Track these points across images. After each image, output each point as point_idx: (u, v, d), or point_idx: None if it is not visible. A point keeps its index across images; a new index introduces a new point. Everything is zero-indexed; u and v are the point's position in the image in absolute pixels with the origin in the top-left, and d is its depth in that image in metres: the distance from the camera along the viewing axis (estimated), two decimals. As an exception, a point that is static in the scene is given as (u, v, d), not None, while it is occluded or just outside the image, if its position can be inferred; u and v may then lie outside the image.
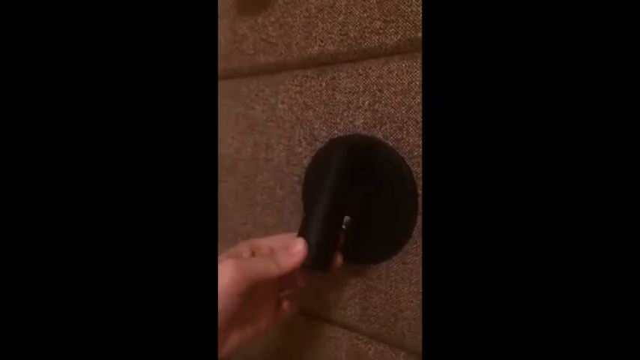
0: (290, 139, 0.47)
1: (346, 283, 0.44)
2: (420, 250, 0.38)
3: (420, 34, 0.37)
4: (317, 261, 0.38)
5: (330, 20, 0.43)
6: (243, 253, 0.35)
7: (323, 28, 0.43)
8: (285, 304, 0.37)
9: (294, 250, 0.33)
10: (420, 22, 0.37)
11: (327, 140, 0.44)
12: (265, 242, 0.37)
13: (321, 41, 0.43)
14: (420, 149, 0.37)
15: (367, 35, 0.40)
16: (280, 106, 0.48)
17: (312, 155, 0.45)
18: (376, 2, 0.39)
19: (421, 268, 0.38)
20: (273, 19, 0.47)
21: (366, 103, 0.41)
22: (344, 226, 0.39)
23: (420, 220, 0.38)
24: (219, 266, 0.29)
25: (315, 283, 0.46)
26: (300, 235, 0.37)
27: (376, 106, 0.40)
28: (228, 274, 0.29)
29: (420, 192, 0.38)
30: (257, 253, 0.36)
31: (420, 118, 0.37)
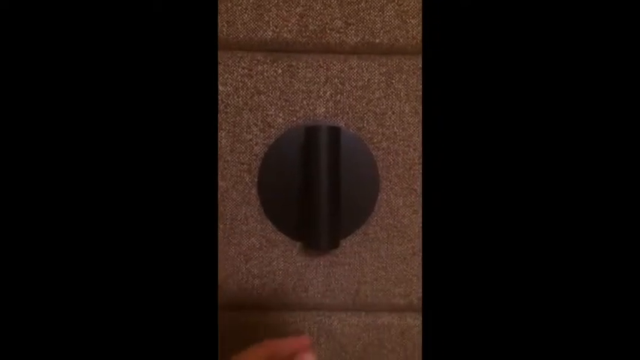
0: (235, 125, 0.44)
1: (307, 265, 0.45)
2: (380, 221, 0.45)
3: (377, 40, 0.44)
4: (329, 245, 0.40)
5: (285, 8, 0.43)
6: None
7: (278, 15, 0.43)
8: None
9: None
10: (379, 30, 0.44)
11: (291, 127, 0.44)
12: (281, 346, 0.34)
13: (276, 27, 0.43)
14: (380, 136, 0.45)
15: (328, 32, 0.44)
16: (221, 88, 0.44)
17: (272, 142, 0.44)
18: (337, 3, 0.44)
19: (382, 234, 0.45)
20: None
21: (328, 93, 0.44)
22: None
23: (380, 195, 0.45)
24: None
25: (272, 275, 0.45)
26: (306, 225, 0.38)
27: (338, 97, 0.44)
28: None
29: (380, 172, 0.45)
30: None
31: (378, 110, 0.45)
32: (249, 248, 0.45)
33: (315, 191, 0.40)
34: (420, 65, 0.44)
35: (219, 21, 0.43)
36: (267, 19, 0.43)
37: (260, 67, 0.44)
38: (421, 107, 0.44)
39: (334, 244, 0.41)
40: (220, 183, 0.44)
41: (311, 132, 0.41)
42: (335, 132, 0.42)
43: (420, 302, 0.46)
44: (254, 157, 0.44)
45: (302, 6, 0.43)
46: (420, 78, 0.44)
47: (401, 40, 0.44)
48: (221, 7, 0.43)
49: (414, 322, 0.47)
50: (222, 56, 0.44)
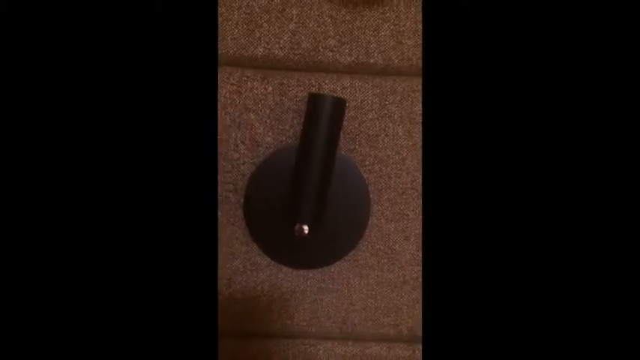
0: (222, 143, 0.42)
1: (294, 291, 0.43)
2: (370, 247, 0.44)
3: (372, 60, 0.43)
4: (311, 219, 0.39)
5: (278, 25, 0.42)
6: None
7: (270, 31, 0.42)
8: None
9: None
10: (373, 50, 0.43)
11: (280, 146, 0.42)
12: None
13: (267, 43, 0.42)
14: (371, 158, 0.43)
15: (321, 50, 0.42)
16: (209, 104, 0.42)
17: (260, 162, 0.42)
18: (331, 21, 0.42)
19: (372, 261, 0.44)
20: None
21: (319, 113, 0.43)
22: (296, 233, 0.41)
23: (370, 220, 0.44)
24: None
25: (256, 301, 0.43)
26: (293, 195, 0.37)
27: (329, 117, 0.43)
28: None
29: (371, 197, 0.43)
30: None
31: (371, 132, 0.43)
32: (233, 272, 0.43)
33: (310, 160, 0.38)
34: (415, 87, 0.43)
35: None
36: (258, 35, 0.42)
37: (250, 84, 0.42)
38: (415, 130, 0.43)
39: (316, 220, 0.39)
40: (204, 203, 0.43)
41: (315, 99, 0.39)
42: (340, 104, 0.39)
43: (411, 333, 0.44)
44: (241, 177, 0.43)
45: (295, 22, 0.42)
46: (415, 100, 0.43)
47: (396, 61, 0.43)
48: (211, 22, 0.42)
49: (404, 353, 0.44)
50: (211, 72, 0.42)
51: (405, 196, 0.43)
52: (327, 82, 0.43)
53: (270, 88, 0.42)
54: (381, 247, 0.44)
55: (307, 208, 0.40)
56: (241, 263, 0.43)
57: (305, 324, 0.44)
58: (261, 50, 0.42)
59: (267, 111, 0.43)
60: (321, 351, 0.44)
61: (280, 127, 0.43)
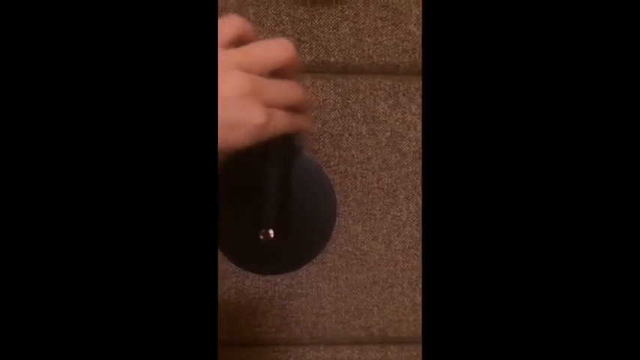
0: (181, 148, 0.41)
1: (261, 297, 0.42)
2: (338, 248, 0.43)
3: (332, 59, 0.42)
4: (273, 224, 0.37)
5: (234, 25, 0.41)
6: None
7: (226, 32, 0.41)
8: None
9: None
10: (332, 48, 0.42)
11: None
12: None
13: (224, 45, 0.41)
14: (336, 159, 0.42)
15: (280, 49, 0.41)
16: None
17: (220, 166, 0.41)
18: (289, 20, 0.42)
19: (340, 263, 0.43)
20: None
21: (281, 114, 0.42)
22: (261, 237, 0.40)
23: (337, 221, 0.43)
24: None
25: (224, 309, 0.42)
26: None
27: (291, 118, 0.42)
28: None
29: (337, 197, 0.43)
30: None
31: (334, 132, 0.42)
32: (197, 281, 0.42)
33: (270, 162, 0.37)
34: (377, 85, 0.42)
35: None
36: (214, 36, 0.41)
37: (207, 87, 0.41)
38: (379, 128, 0.42)
39: (281, 224, 0.38)
40: (164, 211, 0.41)
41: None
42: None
43: (382, 334, 0.44)
44: (201, 183, 0.41)
45: (252, 22, 0.41)
46: (377, 98, 0.42)
47: (357, 59, 0.42)
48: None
49: (376, 355, 0.44)
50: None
51: (371, 196, 0.43)
52: (287, 82, 0.42)
53: (229, 90, 0.41)
54: (349, 249, 0.43)
55: (271, 212, 0.39)
56: (206, 271, 0.42)
57: (274, 330, 0.43)
58: (218, 51, 0.41)
59: (227, 114, 0.41)
60: (291, 357, 0.43)
61: (241, 129, 0.42)
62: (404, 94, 0.42)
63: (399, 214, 0.43)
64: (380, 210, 0.43)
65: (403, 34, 0.42)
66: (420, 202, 0.43)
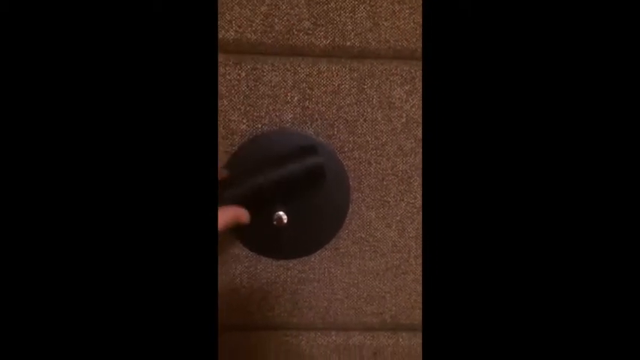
0: (195, 132, 0.41)
1: (274, 282, 0.42)
2: (351, 235, 0.43)
3: (348, 43, 0.41)
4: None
5: (249, 7, 0.40)
6: None
7: (241, 14, 0.40)
8: None
9: None
10: (349, 32, 0.41)
11: (255, 134, 0.41)
12: None
13: (239, 27, 0.40)
14: (350, 145, 0.42)
15: (295, 33, 0.41)
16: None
17: (235, 150, 0.41)
18: (304, 2, 0.41)
19: (353, 249, 0.43)
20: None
21: (295, 99, 0.41)
22: (274, 222, 0.40)
23: (350, 207, 0.43)
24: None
25: (236, 293, 0.42)
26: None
27: (306, 103, 0.41)
28: None
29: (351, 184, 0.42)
30: None
31: (349, 117, 0.42)
32: (211, 264, 0.42)
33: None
34: (393, 70, 0.42)
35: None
36: (229, 17, 0.40)
37: (222, 70, 0.41)
38: (394, 114, 0.42)
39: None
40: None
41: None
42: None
43: (394, 320, 0.44)
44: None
45: (267, 5, 0.41)
46: (393, 83, 0.42)
47: (373, 44, 0.41)
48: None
49: (388, 341, 0.44)
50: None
51: (385, 182, 0.42)
52: (302, 66, 0.41)
53: (244, 74, 0.41)
54: (362, 235, 0.43)
55: (285, 196, 0.39)
56: (219, 255, 0.42)
57: (286, 315, 0.43)
58: (232, 34, 0.40)
59: (241, 97, 0.41)
60: (303, 342, 0.43)
61: (255, 114, 0.41)
62: (421, 80, 0.42)
63: (413, 201, 0.43)
64: (394, 197, 0.43)
65: (421, 18, 0.41)
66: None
